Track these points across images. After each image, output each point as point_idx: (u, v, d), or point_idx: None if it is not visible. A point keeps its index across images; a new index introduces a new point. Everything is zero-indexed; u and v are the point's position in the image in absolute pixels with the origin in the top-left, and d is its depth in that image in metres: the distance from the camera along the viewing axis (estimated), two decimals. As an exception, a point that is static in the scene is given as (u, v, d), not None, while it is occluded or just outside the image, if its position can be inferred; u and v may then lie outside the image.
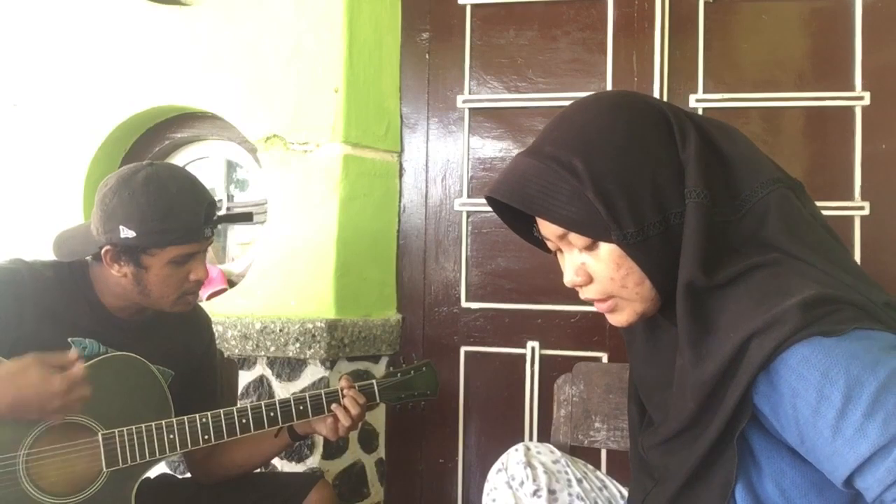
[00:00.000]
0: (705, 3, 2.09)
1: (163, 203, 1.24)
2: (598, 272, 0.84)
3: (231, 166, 2.48)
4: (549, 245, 0.90)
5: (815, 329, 0.70)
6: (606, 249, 0.82)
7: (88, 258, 1.33)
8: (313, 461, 1.99)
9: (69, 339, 1.28)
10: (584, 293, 0.88)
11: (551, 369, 2.12)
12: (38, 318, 1.25)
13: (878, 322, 0.72)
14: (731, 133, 0.87)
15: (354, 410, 1.39)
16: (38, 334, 1.24)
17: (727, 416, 0.75)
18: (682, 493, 0.84)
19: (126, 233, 1.22)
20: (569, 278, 0.87)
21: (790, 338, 0.70)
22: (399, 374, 1.48)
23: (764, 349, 0.71)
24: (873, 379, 0.66)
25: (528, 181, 0.82)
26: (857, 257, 2.00)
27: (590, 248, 0.83)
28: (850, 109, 2.03)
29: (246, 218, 1.41)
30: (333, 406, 1.39)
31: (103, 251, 1.26)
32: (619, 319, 0.88)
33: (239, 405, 1.36)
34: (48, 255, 1.35)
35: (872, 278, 0.81)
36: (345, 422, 1.38)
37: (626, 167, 0.79)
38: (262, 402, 1.36)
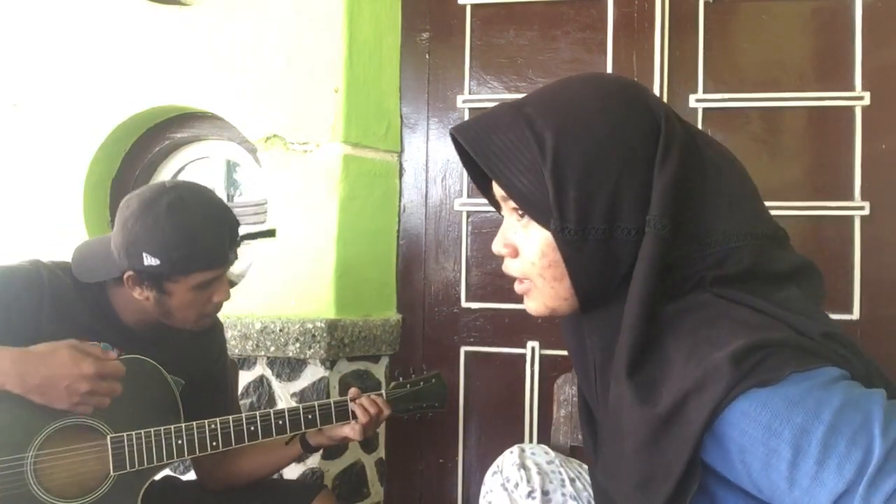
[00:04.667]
0: (705, 3, 2.09)
1: (187, 231, 1.23)
2: (524, 250, 0.81)
3: (231, 166, 2.48)
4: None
5: (751, 381, 0.65)
6: (539, 234, 0.78)
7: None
8: (313, 461, 1.99)
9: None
10: (506, 266, 0.85)
11: (551, 369, 2.12)
12: (55, 322, 1.25)
13: (815, 357, 0.68)
14: (729, 168, 0.80)
15: (373, 409, 1.40)
16: (54, 338, 1.23)
17: (675, 479, 0.70)
18: None
19: (150, 260, 1.22)
20: (495, 246, 0.84)
21: (726, 396, 0.66)
22: (408, 386, 1.47)
23: (702, 411, 0.66)
24: (818, 424, 0.63)
25: (494, 135, 0.78)
26: (857, 257, 2.00)
27: (526, 224, 0.80)
28: (850, 109, 2.03)
29: (269, 235, 1.42)
30: (352, 405, 1.40)
31: (125, 276, 1.26)
32: (530, 306, 0.85)
33: (247, 412, 1.36)
34: (62, 256, 1.35)
35: (819, 312, 0.76)
36: (363, 418, 1.39)
37: (594, 162, 0.74)
38: (271, 410, 1.36)
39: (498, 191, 0.82)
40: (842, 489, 0.61)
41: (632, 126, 0.76)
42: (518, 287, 0.85)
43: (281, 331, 1.97)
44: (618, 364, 0.75)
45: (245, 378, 2.04)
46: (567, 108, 0.77)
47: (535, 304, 0.84)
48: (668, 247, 0.74)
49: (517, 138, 0.77)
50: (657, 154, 0.75)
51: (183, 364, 1.40)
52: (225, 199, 2.42)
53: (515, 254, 0.82)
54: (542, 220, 0.76)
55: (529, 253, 0.80)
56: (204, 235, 1.25)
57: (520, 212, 0.80)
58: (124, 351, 1.32)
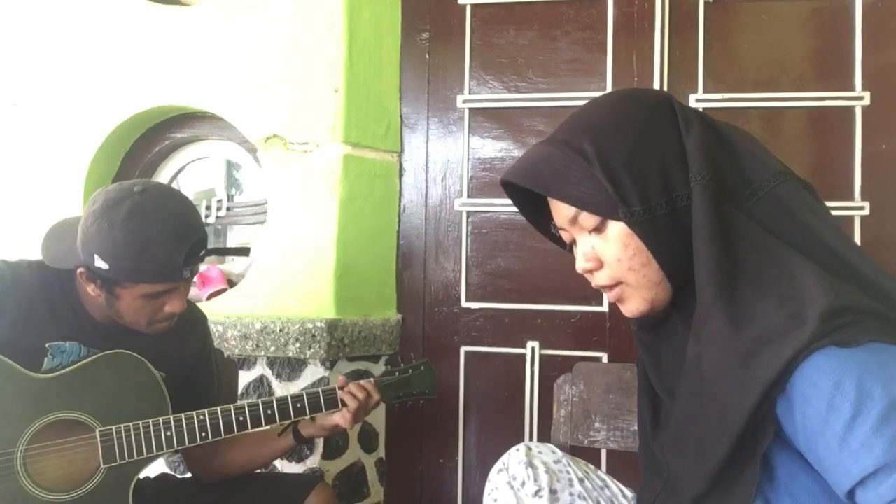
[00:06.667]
0: (705, 3, 2.09)
1: (139, 242, 1.19)
2: (606, 254, 0.86)
3: (231, 166, 2.48)
4: (564, 236, 0.92)
5: (832, 339, 0.69)
6: (615, 229, 0.84)
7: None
8: (313, 461, 1.99)
9: (47, 345, 1.26)
10: (595, 279, 0.89)
11: (551, 369, 2.12)
12: (16, 323, 1.24)
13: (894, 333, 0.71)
14: (737, 129, 0.89)
15: (361, 395, 1.40)
16: (15, 340, 1.23)
17: (744, 418, 0.73)
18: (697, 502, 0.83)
19: (99, 263, 1.20)
20: (580, 264, 0.89)
21: (806, 348, 0.69)
22: (397, 373, 1.48)
23: (780, 358, 0.70)
24: (885, 395, 0.66)
25: (541, 164, 0.86)
26: (857, 257, 2.00)
27: (599, 230, 0.85)
28: (850, 109, 2.03)
29: (242, 252, 1.39)
30: (340, 393, 1.39)
31: (78, 271, 1.26)
32: (629, 308, 0.89)
33: (236, 403, 1.36)
34: (37, 254, 1.33)
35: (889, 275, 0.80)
36: (352, 404, 1.38)
37: (633, 149, 0.82)
38: (260, 400, 1.36)
39: (562, 216, 0.88)
40: (887, 461, 0.64)
41: (650, 111, 0.86)
42: (611, 295, 0.90)
43: (281, 331, 1.97)
44: (703, 290, 0.78)
45: (245, 378, 2.04)
46: (591, 120, 0.87)
47: (633, 303, 0.88)
48: (717, 196, 0.80)
49: (562, 160, 0.85)
50: (680, 126, 0.84)
51: (160, 359, 1.37)
52: (225, 199, 2.42)
53: (600, 264, 0.88)
54: (612, 215, 0.83)
55: (613, 251, 0.85)
56: (157, 250, 1.20)
57: (588, 228, 0.86)
58: (95, 348, 1.30)
